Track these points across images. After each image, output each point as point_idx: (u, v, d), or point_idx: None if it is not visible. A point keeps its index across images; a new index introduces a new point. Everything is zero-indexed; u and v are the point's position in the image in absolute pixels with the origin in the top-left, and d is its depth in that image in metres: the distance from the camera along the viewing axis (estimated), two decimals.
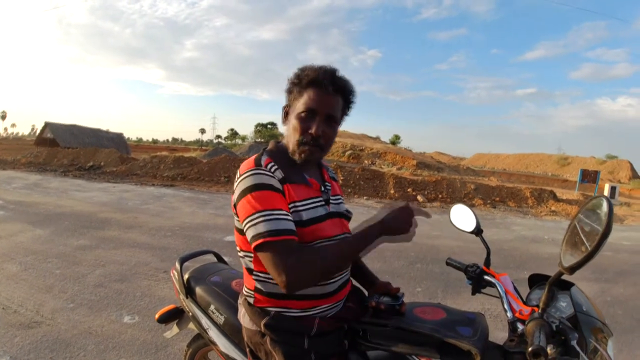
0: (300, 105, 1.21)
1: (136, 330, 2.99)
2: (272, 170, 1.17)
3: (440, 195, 13.39)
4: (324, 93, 1.20)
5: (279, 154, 1.25)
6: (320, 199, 1.27)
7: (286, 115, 1.29)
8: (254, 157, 1.23)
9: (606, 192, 18.63)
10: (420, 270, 5.03)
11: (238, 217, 1.16)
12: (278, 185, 1.15)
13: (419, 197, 12.75)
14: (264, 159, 1.20)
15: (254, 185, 1.12)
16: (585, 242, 0.97)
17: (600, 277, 5.14)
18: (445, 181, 14.70)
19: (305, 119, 1.20)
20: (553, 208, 13.02)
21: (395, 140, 47.03)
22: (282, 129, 1.32)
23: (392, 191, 13.34)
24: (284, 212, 1.12)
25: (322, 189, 1.31)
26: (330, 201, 1.32)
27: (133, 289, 3.78)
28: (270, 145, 1.31)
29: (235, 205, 1.17)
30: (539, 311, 1.08)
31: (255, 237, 1.08)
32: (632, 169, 56.11)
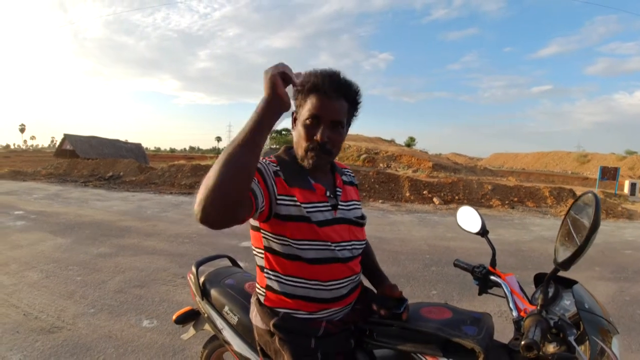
0: (304, 112, 1.23)
1: (155, 334, 3.06)
2: (268, 164, 1.22)
3: (456, 197, 13.26)
4: (326, 99, 1.21)
5: (287, 159, 1.29)
6: (326, 204, 1.28)
7: (295, 121, 1.31)
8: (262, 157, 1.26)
9: (626, 189, 18.26)
10: (435, 273, 5.00)
11: None
12: (267, 174, 1.17)
13: (435, 200, 12.66)
14: (269, 160, 1.25)
15: None
16: (576, 237, 0.98)
17: (619, 275, 5.05)
18: (461, 182, 14.56)
19: (310, 126, 1.22)
20: None
21: (411, 142, 46.61)
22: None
23: (407, 194, 13.28)
24: (256, 180, 1.11)
25: (328, 194, 1.31)
26: (339, 207, 1.32)
27: (152, 294, 3.87)
28: (280, 150, 1.34)
29: None
30: (537, 307, 1.09)
31: None
32: None
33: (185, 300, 3.72)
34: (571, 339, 1.00)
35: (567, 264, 0.97)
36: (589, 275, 4.97)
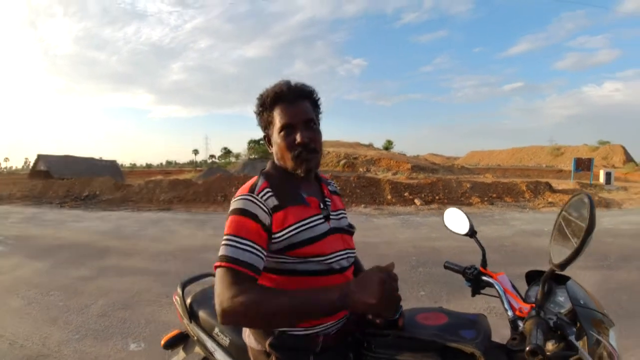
0: (276, 125, 1.24)
1: (143, 357, 2.97)
2: (265, 198, 1.17)
3: (437, 197, 13.42)
4: (291, 105, 1.23)
5: (276, 175, 1.27)
6: (320, 216, 1.26)
7: (269, 141, 1.32)
8: (251, 181, 1.24)
9: (601, 179, 18.76)
10: (422, 274, 5.04)
11: None
12: (263, 216, 1.14)
13: (416, 201, 12.78)
14: (259, 184, 1.21)
15: (237, 209, 1.15)
16: (572, 238, 0.99)
17: (603, 264, 5.15)
18: (441, 182, 14.76)
19: (287, 135, 1.22)
20: (550, 199, 13.09)
21: (389, 145, 47.14)
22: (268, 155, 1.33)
23: (389, 196, 13.37)
24: (252, 244, 1.10)
25: (321, 205, 1.31)
26: (331, 217, 1.31)
27: (137, 316, 3.76)
28: (268, 166, 1.32)
29: None
30: (536, 308, 1.09)
31: (217, 258, 1.10)
32: (626, 153, 56.36)
33: (172, 321, 3.63)
34: (572, 338, 0.99)
35: (564, 265, 0.98)
36: (572, 265, 5.04)
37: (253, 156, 41.33)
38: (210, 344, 1.58)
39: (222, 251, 1.10)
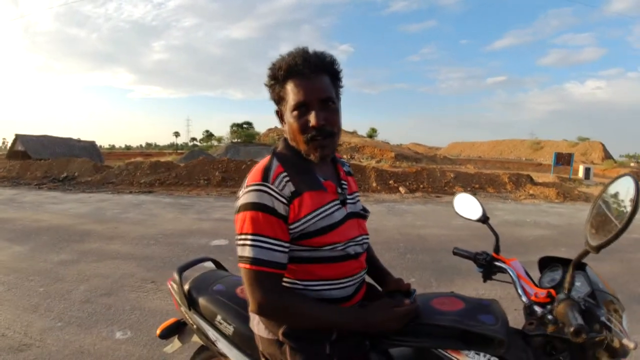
0: (288, 102, 1.12)
1: (130, 345, 2.88)
2: (281, 186, 1.09)
3: (421, 186, 13.50)
4: (307, 79, 1.10)
5: (290, 156, 1.17)
6: (337, 201, 1.19)
7: (281, 117, 1.20)
8: (264, 164, 1.14)
9: (581, 174, 19.18)
10: (411, 260, 5.05)
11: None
12: (281, 207, 1.07)
13: (401, 189, 12.82)
14: (274, 168, 1.12)
15: (253, 204, 1.06)
16: (614, 220, 0.97)
17: (588, 256, 5.17)
18: (425, 171, 14.84)
19: (300, 115, 1.11)
20: (531, 192, 13.29)
21: (373, 133, 47.10)
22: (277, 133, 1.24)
23: (374, 184, 13.39)
24: (276, 241, 1.07)
25: (339, 190, 1.23)
26: (347, 201, 1.24)
27: (121, 302, 3.65)
28: (280, 146, 1.22)
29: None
30: (566, 292, 1.07)
31: (240, 259, 1.08)
32: (605, 150, 57.69)
33: (158, 307, 3.54)
34: (603, 318, 0.99)
35: (602, 247, 0.96)
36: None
37: (236, 140, 40.94)
38: (211, 333, 1.49)
39: (246, 252, 1.06)
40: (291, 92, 1.11)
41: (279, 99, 1.16)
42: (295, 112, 1.11)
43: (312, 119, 1.09)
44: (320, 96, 1.10)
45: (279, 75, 1.12)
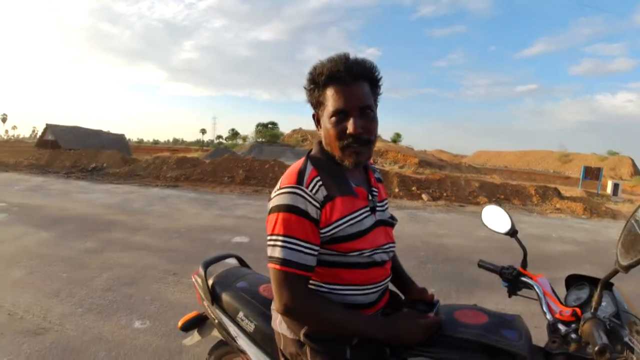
0: (327, 108, 1.12)
1: (148, 335, 2.92)
2: (315, 190, 1.09)
3: (445, 194, 13.31)
4: (346, 87, 1.09)
5: (324, 160, 1.17)
6: (367, 208, 1.18)
7: (318, 121, 1.20)
8: (298, 166, 1.15)
9: (609, 189, 18.59)
10: (431, 270, 4.97)
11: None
12: (314, 211, 1.08)
13: (423, 196, 12.67)
14: (308, 172, 1.12)
15: (286, 206, 1.07)
16: None
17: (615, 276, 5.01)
18: (449, 179, 14.63)
19: (338, 121, 1.11)
20: (558, 206, 12.93)
21: (397, 138, 46.85)
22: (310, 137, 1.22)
23: (396, 189, 13.27)
24: (306, 244, 1.07)
25: (369, 197, 1.22)
26: (377, 208, 1.23)
27: (142, 292, 3.71)
28: (315, 149, 1.22)
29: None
30: (592, 311, 1.06)
31: (270, 259, 1.09)
32: (634, 165, 56.09)
33: (178, 299, 3.58)
34: (627, 339, 0.98)
35: (632, 267, 0.96)
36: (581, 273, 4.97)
37: (260, 139, 41.30)
38: (232, 329, 1.51)
39: (276, 253, 1.07)
40: (331, 98, 1.11)
41: (317, 103, 1.17)
42: (333, 119, 1.11)
43: (350, 126, 1.09)
44: (360, 104, 1.11)
45: (319, 80, 1.12)
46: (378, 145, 35.10)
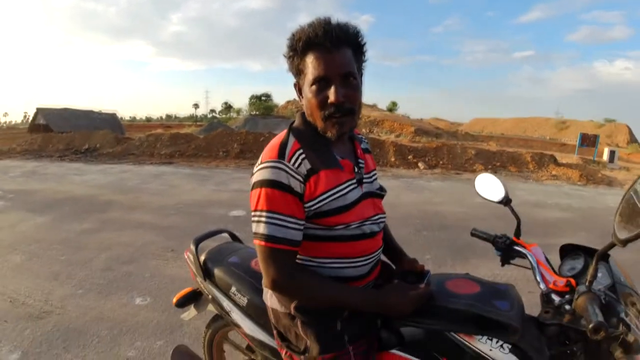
0: (307, 76, 1.06)
1: (149, 311, 2.96)
2: (298, 164, 1.06)
3: (441, 162, 13.32)
4: (327, 53, 1.03)
5: (307, 132, 1.13)
6: (353, 180, 1.15)
7: (299, 90, 1.15)
8: (280, 139, 1.11)
9: (605, 156, 18.59)
10: (427, 237, 5.02)
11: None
12: (297, 185, 1.05)
13: (420, 165, 12.69)
14: (290, 145, 1.09)
15: (268, 181, 1.04)
16: None
17: (606, 240, 5.05)
18: (445, 147, 14.62)
19: (319, 90, 1.05)
20: (554, 172, 12.97)
21: (393, 107, 46.31)
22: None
23: (392, 159, 13.27)
24: (291, 218, 1.05)
25: (355, 169, 1.18)
26: (364, 180, 1.20)
27: (142, 270, 3.75)
28: (297, 121, 1.18)
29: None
30: (587, 284, 1.03)
31: (255, 235, 1.08)
32: (630, 133, 55.91)
33: (177, 274, 3.62)
34: (622, 316, 0.96)
35: (629, 241, 0.91)
36: (576, 240, 5.02)
37: (254, 112, 40.90)
38: (226, 304, 1.52)
39: (261, 229, 1.05)
40: (310, 65, 1.05)
41: (297, 72, 1.10)
42: (313, 87, 1.05)
43: (331, 94, 1.04)
44: (341, 71, 1.04)
45: (298, 47, 1.05)
46: (374, 114, 34.88)
